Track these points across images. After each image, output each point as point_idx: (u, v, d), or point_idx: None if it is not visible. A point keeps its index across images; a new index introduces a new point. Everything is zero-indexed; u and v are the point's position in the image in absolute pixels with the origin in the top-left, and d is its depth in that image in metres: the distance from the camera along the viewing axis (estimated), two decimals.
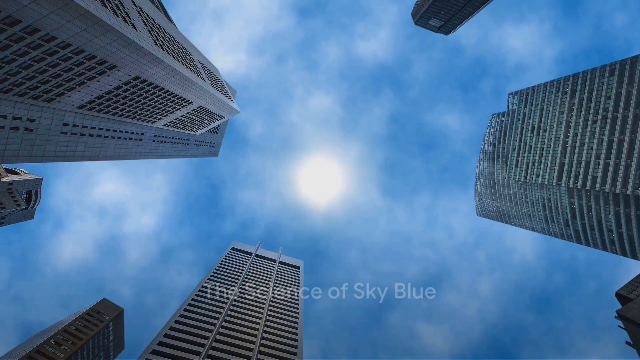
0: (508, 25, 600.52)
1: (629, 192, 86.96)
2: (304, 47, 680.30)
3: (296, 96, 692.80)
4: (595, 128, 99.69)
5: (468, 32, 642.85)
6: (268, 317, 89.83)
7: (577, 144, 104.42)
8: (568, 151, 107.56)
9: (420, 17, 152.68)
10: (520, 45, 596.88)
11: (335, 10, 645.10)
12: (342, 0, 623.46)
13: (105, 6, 51.35)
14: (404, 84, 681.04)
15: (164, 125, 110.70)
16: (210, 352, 69.56)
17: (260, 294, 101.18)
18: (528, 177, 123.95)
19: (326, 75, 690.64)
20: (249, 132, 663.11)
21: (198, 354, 68.04)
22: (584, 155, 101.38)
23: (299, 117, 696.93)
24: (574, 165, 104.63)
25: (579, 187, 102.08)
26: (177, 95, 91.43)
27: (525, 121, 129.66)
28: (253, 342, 77.11)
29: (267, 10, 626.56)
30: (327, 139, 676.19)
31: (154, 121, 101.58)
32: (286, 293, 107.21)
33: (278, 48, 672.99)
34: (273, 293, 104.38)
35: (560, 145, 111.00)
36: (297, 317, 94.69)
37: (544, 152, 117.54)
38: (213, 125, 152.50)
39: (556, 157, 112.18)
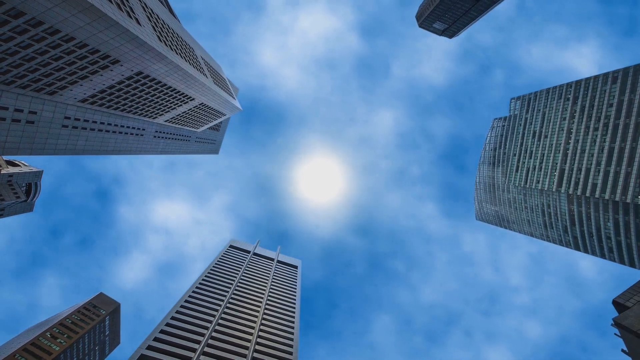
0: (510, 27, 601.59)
1: (628, 200, 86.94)
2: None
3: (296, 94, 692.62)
4: (596, 135, 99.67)
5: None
6: (264, 316, 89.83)
7: (578, 151, 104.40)
8: (569, 158, 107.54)
9: (425, 20, 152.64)
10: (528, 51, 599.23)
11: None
12: None
13: (110, 0, 51.35)
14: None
15: (166, 121, 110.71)
16: (206, 349, 69.54)
17: (257, 292, 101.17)
18: (528, 183, 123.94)
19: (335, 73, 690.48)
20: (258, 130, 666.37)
21: (194, 350, 68.02)
22: (585, 162, 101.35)
23: (300, 114, 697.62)
24: (575, 171, 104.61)
25: (578, 193, 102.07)
26: (179, 91, 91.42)
27: (527, 126, 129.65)
28: (249, 341, 77.12)
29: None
30: (328, 140, 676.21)
31: (156, 117, 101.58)
32: (283, 292, 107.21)
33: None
34: (270, 292, 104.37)
35: (561, 151, 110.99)
36: (293, 317, 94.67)
37: (545, 158, 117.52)
38: (214, 122, 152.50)
39: (557, 163, 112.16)
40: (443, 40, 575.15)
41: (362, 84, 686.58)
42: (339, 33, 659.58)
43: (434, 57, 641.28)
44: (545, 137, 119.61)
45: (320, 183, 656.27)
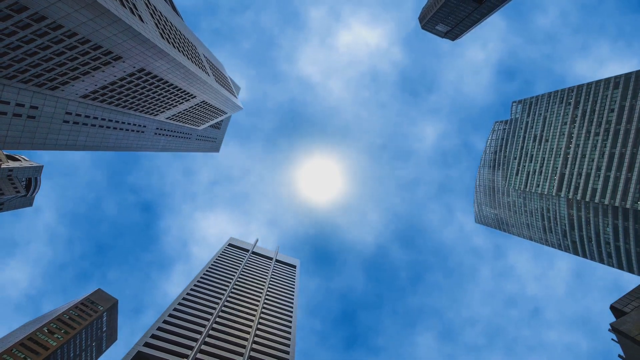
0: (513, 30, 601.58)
1: (628, 206, 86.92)
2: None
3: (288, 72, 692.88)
4: (597, 140, 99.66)
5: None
6: (262, 315, 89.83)
7: (579, 156, 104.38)
8: (569, 162, 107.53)
9: (427, 22, 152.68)
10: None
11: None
12: None
13: None
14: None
15: (167, 118, 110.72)
16: (203, 347, 69.54)
17: (255, 291, 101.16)
18: (528, 187, 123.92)
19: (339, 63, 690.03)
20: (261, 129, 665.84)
21: (191, 348, 68.02)
22: (585, 167, 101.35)
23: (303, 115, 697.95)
24: (575, 176, 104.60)
25: (578, 198, 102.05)
26: (181, 89, 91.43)
27: (528, 130, 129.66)
28: (246, 339, 77.12)
29: None
30: (329, 140, 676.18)
31: (157, 114, 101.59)
32: (281, 292, 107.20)
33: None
34: (268, 291, 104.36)
35: (561, 155, 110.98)
36: (290, 317, 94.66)
37: (545, 162, 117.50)
38: (215, 120, 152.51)
39: (557, 168, 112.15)
40: (483, 53, 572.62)
41: (402, 97, 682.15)
42: (379, 47, 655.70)
43: (472, 69, 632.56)
44: (546, 141, 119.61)
45: (361, 195, 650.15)
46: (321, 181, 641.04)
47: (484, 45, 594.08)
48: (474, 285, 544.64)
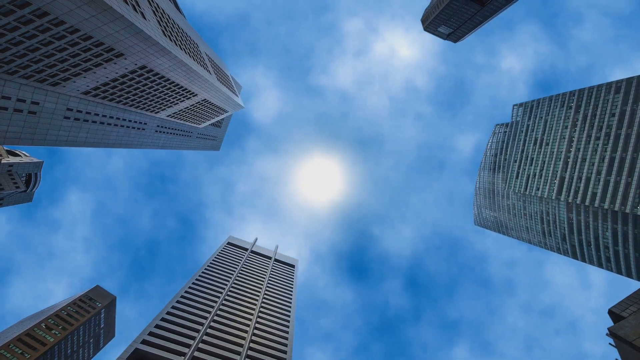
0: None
1: (627, 210, 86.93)
2: None
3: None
4: (597, 144, 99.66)
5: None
6: (260, 315, 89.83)
7: (579, 160, 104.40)
8: (569, 166, 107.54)
9: (430, 24, 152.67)
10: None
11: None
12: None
13: None
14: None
15: (168, 116, 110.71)
16: (201, 345, 69.54)
17: (254, 290, 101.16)
18: (528, 190, 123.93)
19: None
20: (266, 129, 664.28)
21: (188, 346, 68.03)
22: (585, 171, 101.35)
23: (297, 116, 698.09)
24: (575, 180, 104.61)
25: (578, 202, 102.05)
26: (182, 86, 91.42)
27: (529, 133, 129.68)
28: (244, 338, 77.12)
29: None
30: (332, 141, 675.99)
31: (158, 111, 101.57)
32: (279, 291, 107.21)
33: None
34: (266, 290, 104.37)
35: (561, 159, 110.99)
36: (288, 316, 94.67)
37: (545, 165, 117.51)
38: (216, 119, 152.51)
39: (557, 171, 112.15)
40: (519, 64, 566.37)
41: (437, 107, 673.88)
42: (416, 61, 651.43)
43: (508, 79, 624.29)
44: (547, 144, 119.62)
45: (394, 205, 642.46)
46: (355, 191, 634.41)
47: (520, 56, 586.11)
48: (509, 296, 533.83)
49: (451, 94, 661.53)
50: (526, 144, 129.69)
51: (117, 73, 67.12)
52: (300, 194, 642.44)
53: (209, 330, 74.99)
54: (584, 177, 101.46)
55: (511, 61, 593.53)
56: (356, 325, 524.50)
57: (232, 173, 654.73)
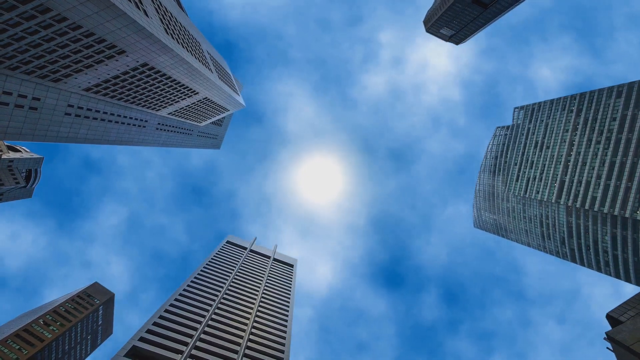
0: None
1: (627, 215, 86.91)
2: None
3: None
4: (598, 148, 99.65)
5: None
6: (258, 314, 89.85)
7: (579, 163, 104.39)
8: (569, 169, 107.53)
9: (432, 25, 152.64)
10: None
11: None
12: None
13: None
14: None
15: (169, 113, 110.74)
16: (198, 343, 69.56)
17: (252, 289, 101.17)
18: (528, 193, 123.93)
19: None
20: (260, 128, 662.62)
21: (186, 344, 68.04)
22: (585, 174, 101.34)
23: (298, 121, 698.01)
24: (575, 184, 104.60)
25: (577, 206, 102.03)
26: (183, 85, 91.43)
27: (529, 136, 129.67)
28: (241, 337, 77.13)
29: None
30: (333, 142, 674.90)
31: (159, 109, 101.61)
32: (278, 291, 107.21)
33: None
34: (265, 290, 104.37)
35: (562, 163, 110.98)
36: (286, 316, 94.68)
37: (546, 168, 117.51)
38: (217, 117, 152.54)
39: (557, 175, 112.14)
40: (554, 75, 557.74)
41: (473, 118, 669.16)
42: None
43: (543, 89, 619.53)
44: (547, 147, 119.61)
45: (430, 215, 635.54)
46: (387, 200, 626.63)
47: (555, 67, 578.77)
48: (543, 307, 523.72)
49: (483, 103, 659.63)
50: (527, 147, 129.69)
51: (118, 70, 67.13)
52: (333, 204, 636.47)
53: (206, 329, 75.01)
54: (584, 181, 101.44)
55: (542, 70, 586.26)
56: (389, 335, 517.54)
57: (265, 183, 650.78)
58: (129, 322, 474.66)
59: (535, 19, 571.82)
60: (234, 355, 70.03)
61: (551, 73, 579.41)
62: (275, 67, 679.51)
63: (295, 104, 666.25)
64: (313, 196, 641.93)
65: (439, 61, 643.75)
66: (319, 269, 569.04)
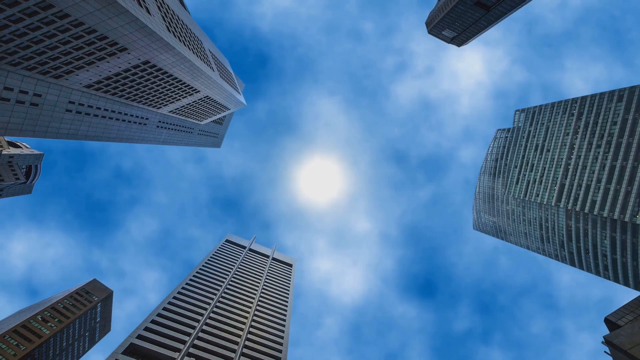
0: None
1: (626, 219, 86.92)
2: None
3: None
4: (598, 152, 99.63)
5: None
6: (256, 313, 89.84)
7: (579, 167, 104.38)
8: (569, 173, 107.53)
9: (434, 27, 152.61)
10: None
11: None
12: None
13: None
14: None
15: (170, 112, 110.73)
16: (196, 342, 69.54)
17: (250, 288, 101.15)
18: (527, 196, 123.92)
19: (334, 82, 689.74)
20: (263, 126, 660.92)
21: (184, 342, 68.03)
22: (585, 178, 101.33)
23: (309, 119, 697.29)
24: (575, 187, 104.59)
25: (577, 209, 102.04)
26: (185, 83, 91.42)
27: (530, 139, 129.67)
28: (239, 336, 77.12)
29: None
30: (337, 143, 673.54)
31: (160, 107, 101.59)
32: (276, 290, 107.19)
33: None
34: (263, 289, 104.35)
35: (562, 166, 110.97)
36: (285, 314, 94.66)
37: (546, 171, 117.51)
38: (218, 116, 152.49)
39: (557, 178, 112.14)
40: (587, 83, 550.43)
41: (503, 125, 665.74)
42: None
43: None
44: (548, 151, 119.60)
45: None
46: (416, 210, 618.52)
47: (587, 77, 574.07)
48: (576, 317, 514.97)
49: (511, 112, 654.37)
50: (527, 150, 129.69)
51: (120, 67, 67.13)
52: (363, 213, 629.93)
53: (204, 327, 74.99)
54: (584, 185, 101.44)
55: (575, 81, 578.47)
56: (420, 344, 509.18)
57: (293, 192, 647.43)
58: (128, 320, 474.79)
59: (569, 29, 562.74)
60: (232, 354, 70.02)
61: (583, 83, 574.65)
62: (306, 77, 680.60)
63: (325, 113, 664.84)
64: (344, 206, 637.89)
65: (472, 70, 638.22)
66: (350, 278, 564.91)
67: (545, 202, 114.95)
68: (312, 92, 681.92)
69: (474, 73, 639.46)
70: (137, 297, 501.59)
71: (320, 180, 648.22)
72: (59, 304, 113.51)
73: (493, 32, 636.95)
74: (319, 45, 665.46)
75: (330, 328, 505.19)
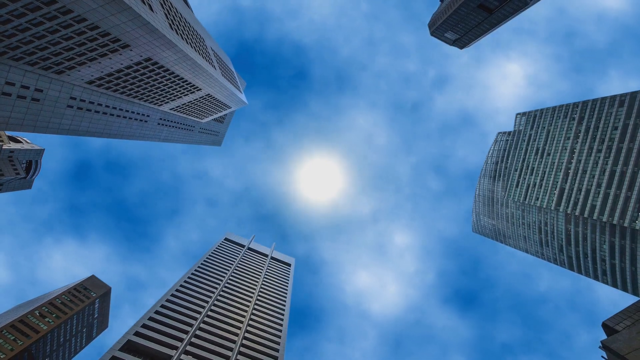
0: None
1: (626, 224, 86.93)
2: None
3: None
4: (599, 157, 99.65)
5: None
6: (254, 312, 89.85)
7: (580, 171, 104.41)
8: (570, 177, 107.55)
9: (437, 29, 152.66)
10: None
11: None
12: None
13: None
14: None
15: (171, 109, 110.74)
16: (193, 339, 69.54)
17: (249, 287, 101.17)
18: (527, 199, 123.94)
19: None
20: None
21: (181, 340, 68.04)
22: (585, 182, 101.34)
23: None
24: (574, 191, 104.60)
25: (576, 214, 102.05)
26: (186, 80, 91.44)
27: (530, 143, 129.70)
28: (236, 335, 77.12)
29: None
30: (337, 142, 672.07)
31: (161, 104, 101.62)
32: (274, 289, 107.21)
33: None
34: (261, 288, 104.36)
35: (562, 170, 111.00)
36: (282, 315, 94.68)
37: (546, 175, 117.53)
38: (219, 114, 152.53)
39: (557, 182, 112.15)
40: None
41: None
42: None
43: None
44: (548, 154, 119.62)
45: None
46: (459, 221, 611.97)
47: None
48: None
49: None
50: (527, 153, 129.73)
51: (122, 64, 67.14)
52: (402, 226, 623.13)
53: (202, 325, 75.00)
54: (583, 189, 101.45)
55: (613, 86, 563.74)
56: (459, 356, 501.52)
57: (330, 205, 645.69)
58: (125, 317, 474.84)
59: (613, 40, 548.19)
60: (229, 353, 70.03)
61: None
62: (348, 86, 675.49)
63: (363, 125, 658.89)
64: (383, 218, 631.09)
65: (513, 82, 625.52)
66: (388, 290, 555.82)
67: (545, 206, 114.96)
68: (352, 103, 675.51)
69: (516, 86, 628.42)
70: (136, 294, 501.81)
71: (357, 192, 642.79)
72: (57, 300, 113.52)
73: (532, 46, 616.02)
74: (360, 57, 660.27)
75: (371, 340, 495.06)
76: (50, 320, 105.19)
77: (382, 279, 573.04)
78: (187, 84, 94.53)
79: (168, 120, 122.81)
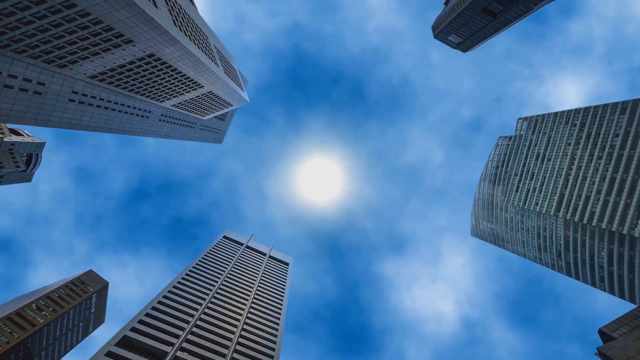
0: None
1: (624, 232, 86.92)
2: None
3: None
4: (599, 164, 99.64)
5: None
6: (251, 309, 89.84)
7: (580, 177, 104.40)
8: (570, 183, 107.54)
9: (440, 32, 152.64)
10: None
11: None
12: None
13: None
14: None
15: (172, 105, 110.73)
16: (189, 336, 69.54)
17: (246, 285, 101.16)
18: (527, 204, 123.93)
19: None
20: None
21: (177, 337, 68.03)
22: (585, 189, 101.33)
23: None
24: (574, 198, 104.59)
25: (576, 220, 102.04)
26: (189, 77, 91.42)
27: (531, 148, 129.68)
28: (233, 332, 77.12)
29: None
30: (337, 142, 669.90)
31: (163, 100, 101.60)
32: (272, 288, 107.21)
33: None
34: (259, 286, 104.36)
35: (562, 176, 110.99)
36: (279, 313, 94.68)
37: (546, 181, 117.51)
38: (221, 112, 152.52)
39: (557, 188, 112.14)
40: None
41: None
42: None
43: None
44: (549, 160, 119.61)
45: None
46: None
47: None
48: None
49: None
50: (528, 158, 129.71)
51: (124, 59, 67.14)
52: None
53: (199, 322, 75.00)
54: (583, 195, 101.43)
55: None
56: None
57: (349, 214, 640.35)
58: (124, 314, 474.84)
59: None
60: (225, 350, 70.02)
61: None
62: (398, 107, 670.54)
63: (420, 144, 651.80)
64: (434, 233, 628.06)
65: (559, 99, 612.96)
66: (443, 303, 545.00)
67: (544, 212, 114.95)
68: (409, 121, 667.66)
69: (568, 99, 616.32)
70: (135, 291, 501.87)
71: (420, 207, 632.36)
72: (54, 293, 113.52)
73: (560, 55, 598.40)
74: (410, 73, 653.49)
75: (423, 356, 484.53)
76: (47, 314, 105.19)
77: (436, 293, 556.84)
78: (189, 81, 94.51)
79: (169, 117, 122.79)
